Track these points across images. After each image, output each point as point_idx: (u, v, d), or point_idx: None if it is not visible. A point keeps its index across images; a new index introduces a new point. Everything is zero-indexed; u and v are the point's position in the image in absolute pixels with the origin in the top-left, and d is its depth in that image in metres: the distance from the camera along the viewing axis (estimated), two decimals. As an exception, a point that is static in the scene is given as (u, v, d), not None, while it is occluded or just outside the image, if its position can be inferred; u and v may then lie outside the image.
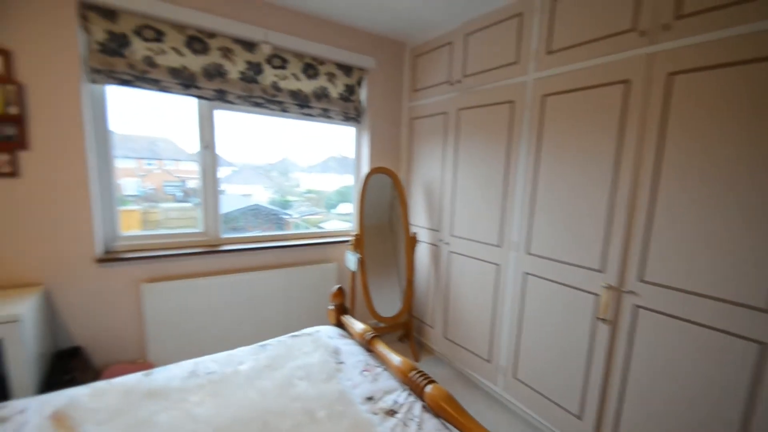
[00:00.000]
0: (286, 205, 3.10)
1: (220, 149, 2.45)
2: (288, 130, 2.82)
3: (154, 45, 2.04)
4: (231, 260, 2.47)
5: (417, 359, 2.79)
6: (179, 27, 2.10)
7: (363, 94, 2.90)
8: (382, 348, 1.58)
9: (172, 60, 2.10)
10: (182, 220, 2.56)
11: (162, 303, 2.19)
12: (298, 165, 3.13)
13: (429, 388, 1.28)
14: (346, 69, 2.77)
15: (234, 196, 2.77)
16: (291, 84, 2.53)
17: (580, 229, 1.82)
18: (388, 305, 2.81)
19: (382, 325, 2.73)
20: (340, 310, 1.97)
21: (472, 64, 2.40)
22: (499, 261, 2.27)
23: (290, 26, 2.45)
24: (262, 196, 2.97)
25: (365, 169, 2.99)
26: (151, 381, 1.40)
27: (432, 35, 2.73)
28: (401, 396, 1.34)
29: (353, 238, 2.64)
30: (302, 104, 2.60)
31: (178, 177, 2.61)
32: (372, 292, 2.71)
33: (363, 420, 1.21)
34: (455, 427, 1.17)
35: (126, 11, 1.94)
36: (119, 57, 1.96)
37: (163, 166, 2.55)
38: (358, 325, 1.80)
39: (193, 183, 2.45)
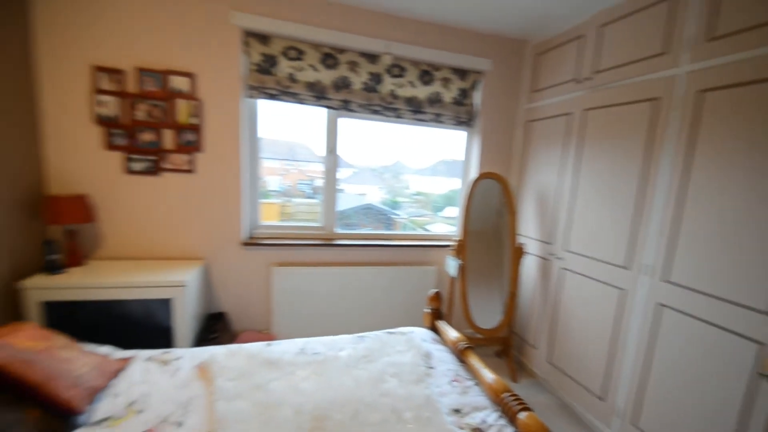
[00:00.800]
0: (395, 205, 3.24)
1: (342, 153, 2.72)
2: (402, 134, 2.95)
3: (296, 63, 2.38)
4: (342, 254, 2.70)
5: (514, 380, 2.61)
6: (316, 45, 2.40)
7: (477, 97, 2.83)
8: (474, 361, 1.53)
9: (309, 75, 2.42)
10: (309, 214, 2.95)
11: (286, 285, 2.54)
12: (409, 168, 3.24)
13: (523, 416, 1.19)
14: (461, 73, 2.74)
15: (351, 195, 3.04)
16: (407, 91, 2.63)
17: (744, 257, 1.44)
18: (487, 316, 2.69)
19: (478, 336, 2.63)
20: (436, 314, 1.98)
21: (606, 59, 2.11)
22: (624, 285, 1.96)
23: (410, 35, 2.55)
24: (375, 196, 3.18)
25: (474, 173, 2.91)
26: (270, 351, 1.63)
27: (559, 30, 2.50)
28: (491, 416, 1.28)
29: (455, 243, 2.61)
30: (416, 110, 2.68)
31: (309, 176, 3.01)
32: (470, 301, 2.64)
33: None
34: (549, 464, 1.07)
35: (277, 35, 2.32)
36: (269, 75, 2.35)
37: (298, 167, 2.97)
38: (452, 333, 1.79)
39: (319, 182, 2.77)
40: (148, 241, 2.29)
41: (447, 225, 3.23)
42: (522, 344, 2.83)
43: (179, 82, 2.17)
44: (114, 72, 2.07)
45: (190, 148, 2.25)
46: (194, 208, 2.34)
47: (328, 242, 2.65)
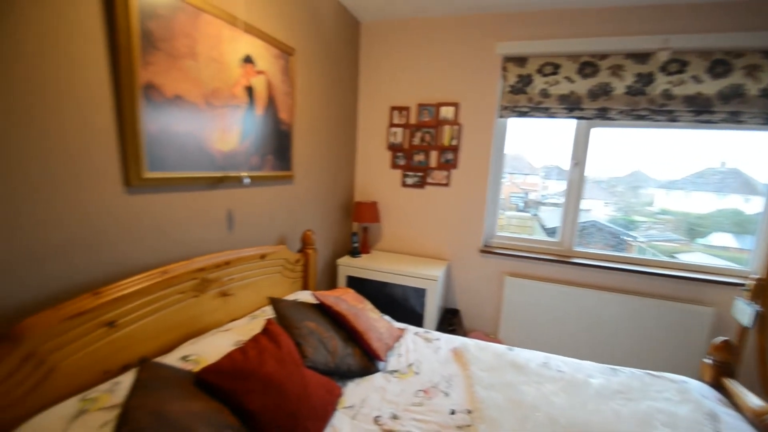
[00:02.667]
0: (628, 225, 2.75)
1: (562, 163, 2.58)
2: (645, 139, 2.51)
3: (551, 78, 2.42)
4: (579, 273, 2.53)
5: None
6: (574, 57, 2.36)
7: (809, 84, 2.05)
8: (799, 447, 1.16)
9: (562, 88, 2.40)
10: (519, 228, 2.94)
11: (517, 295, 2.61)
12: (654, 179, 2.68)
13: None
14: (783, 55, 2.05)
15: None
16: (687, 89, 2.20)
17: None
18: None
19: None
20: (723, 369, 1.59)
21: None
22: None
23: (695, 23, 2.13)
24: (600, 212, 2.81)
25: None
26: (514, 356, 1.75)
27: None
28: None
29: (752, 282, 1.98)
30: (700, 110, 2.20)
31: (522, 189, 3.00)
32: (778, 365, 1.95)
33: None
34: None
35: (533, 55, 2.42)
36: (522, 94, 2.49)
37: (512, 179, 3.01)
38: (752, 399, 1.40)
39: (533, 195, 2.71)
40: (411, 240, 2.88)
41: (710, 256, 2.47)
42: None
43: (446, 111, 2.62)
44: (402, 109, 2.73)
45: (449, 165, 2.68)
46: (446, 216, 2.76)
47: (564, 259, 2.54)
